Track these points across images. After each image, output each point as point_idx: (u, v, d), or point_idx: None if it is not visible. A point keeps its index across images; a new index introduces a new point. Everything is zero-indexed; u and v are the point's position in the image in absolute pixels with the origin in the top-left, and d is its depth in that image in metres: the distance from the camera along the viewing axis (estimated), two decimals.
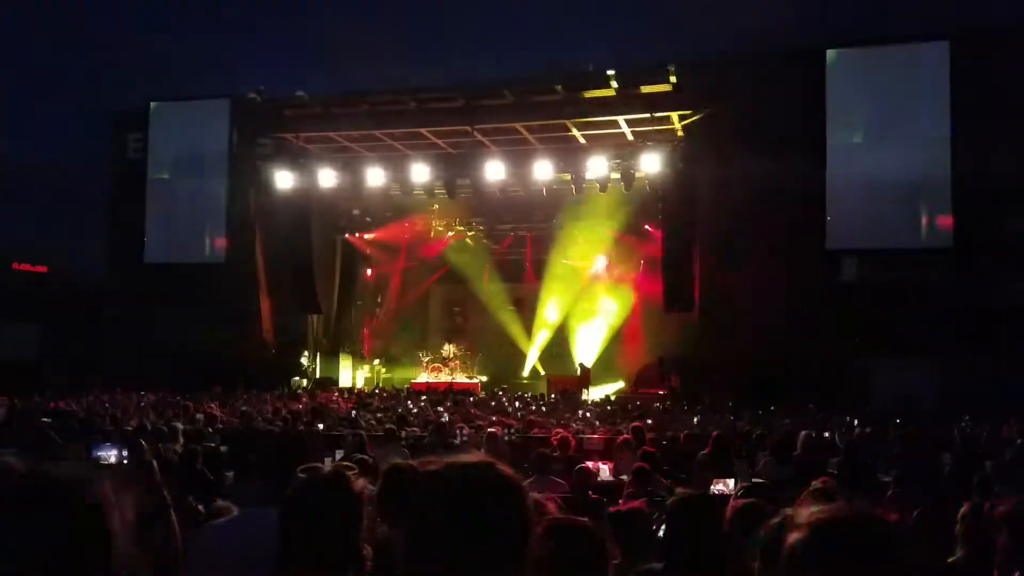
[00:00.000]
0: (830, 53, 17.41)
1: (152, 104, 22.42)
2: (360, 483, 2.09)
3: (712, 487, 5.25)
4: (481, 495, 1.41)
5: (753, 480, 7.59)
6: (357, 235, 24.39)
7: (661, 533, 3.08)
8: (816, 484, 4.96)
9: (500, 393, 19.56)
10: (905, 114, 16.81)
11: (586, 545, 2.38)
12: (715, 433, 10.00)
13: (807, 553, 1.38)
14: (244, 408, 14.27)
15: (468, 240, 25.16)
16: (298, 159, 20.55)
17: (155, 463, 2.97)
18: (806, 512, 1.48)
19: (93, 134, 23.12)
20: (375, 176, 19.65)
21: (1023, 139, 15.41)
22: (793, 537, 1.44)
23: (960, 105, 16.35)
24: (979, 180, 15.92)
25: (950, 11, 18.08)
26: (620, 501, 5.89)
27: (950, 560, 4.23)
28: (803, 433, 9.45)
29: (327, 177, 20.13)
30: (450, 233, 24.90)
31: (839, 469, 7.92)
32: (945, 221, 16.45)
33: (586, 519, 2.61)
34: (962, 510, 4.55)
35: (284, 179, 20.21)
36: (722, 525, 2.99)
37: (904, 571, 1.38)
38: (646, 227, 22.04)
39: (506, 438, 10.23)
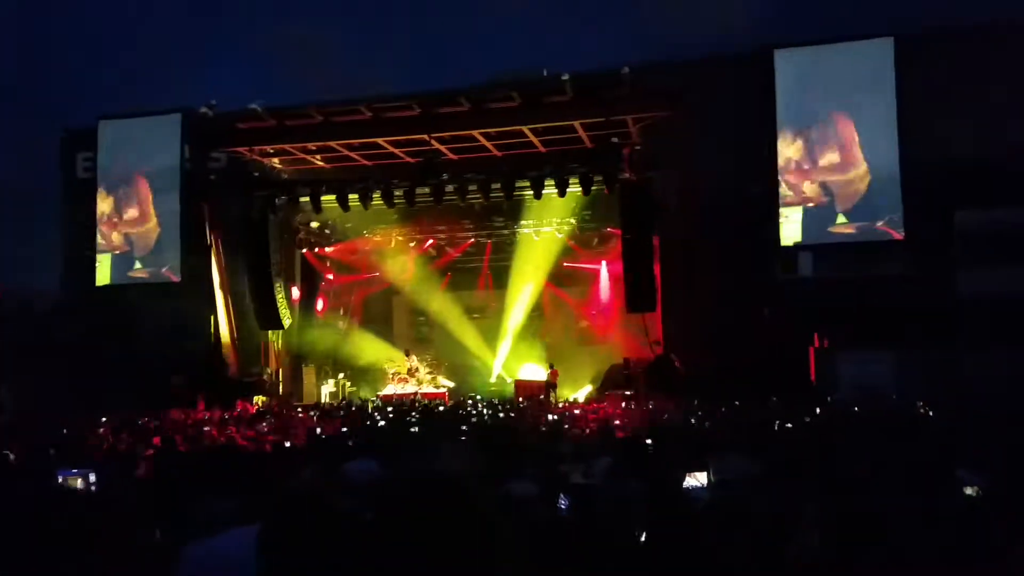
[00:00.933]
0: (777, 53, 17.71)
1: (101, 121, 21.93)
2: (337, 497, 2.08)
3: (685, 483, 5.31)
4: (438, 504, 1.40)
5: (724, 475, 7.71)
6: (316, 250, 24.21)
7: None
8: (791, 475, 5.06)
9: (468, 401, 19.53)
10: (853, 111, 17.17)
11: None
12: (682, 430, 10.13)
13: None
14: (207, 428, 14.06)
15: (430, 249, 25.10)
16: (253, 173, 20.32)
17: (123, 486, 2.91)
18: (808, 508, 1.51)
19: (42, 154, 22.59)
20: (332, 188, 19.54)
21: (969, 133, 15.86)
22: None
23: (906, 101, 16.76)
24: (927, 174, 16.34)
25: (895, 8, 18.53)
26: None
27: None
28: (775, 425, 9.64)
29: (284, 190, 19.96)
30: (412, 244, 24.84)
31: (802, 460, 8.06)
32: (896, 215, 16.83)
33: None
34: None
35: (239, 194, 19.97)
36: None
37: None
38: (607, 229, 22.24)
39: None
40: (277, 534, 2.08)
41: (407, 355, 23.69)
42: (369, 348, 25.25)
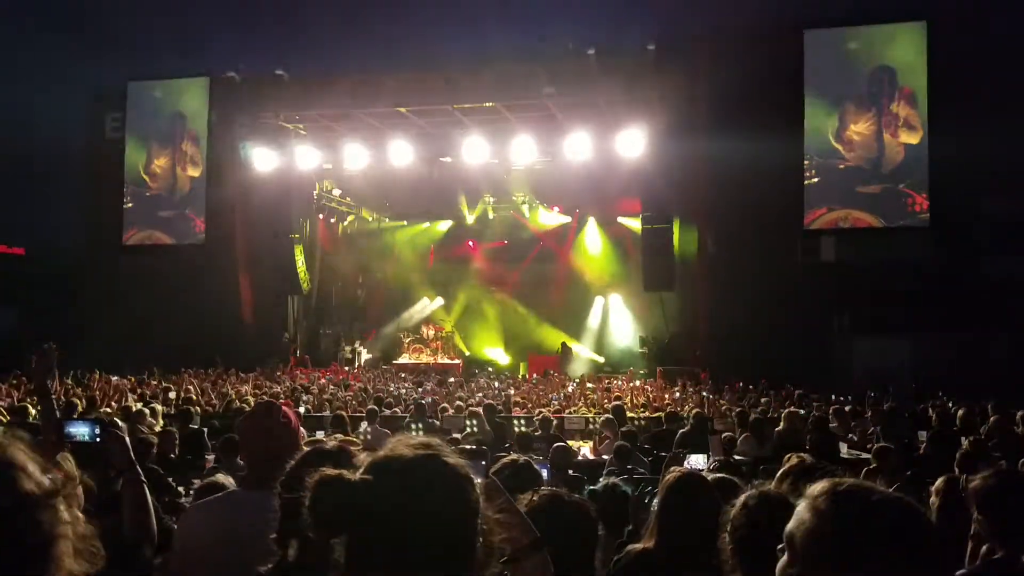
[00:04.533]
0: (808, 33, 17.44)
1: (130, 83, 22.10)
2: (362, 458, 2.08)
3: (685, 463, 5.29)
4: (423, 494, 1.37)
5: (734, 457, 7.70)
6: (335, 219, 24.30)
7: (654, 507, 3.08)
8: (794, 461, 5.03)
9: (481, 373, 19.60)
10: (882, 94, 16.92)
11: (577, 519, 2.39)
12: (695, 411, 10.11)
13: (836, 534, 1.37)
14: (224, 389, 14.25)
15: (448, 220, 25.06)
16: (277, 138, 20.38)
17: (127, 439, 2.95)
18: (818, 489, 1.46)
19: (71, 113, 22.74)
20: (355, 155, 19.56)
21: (999, 120, 15.50)
22: (808, 513, 1.42)
23: (937, 85, 16.46)
24: (956, 160, 16.03)
25: None
26: (600, 480, 5.93)
27: None
28: (788, 411, 9.56)
29: (306, 156, 20.00)
30: (426, 224, 24.97)
31: (809, 445, 8.03)
32: (922, 200, 16.62)
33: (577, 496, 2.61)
34: (936, 484, 4.62)
35: (263, 158, 20.06)
36: (718, 507, 2.98)
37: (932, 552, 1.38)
38: (627, 205, 22.06)
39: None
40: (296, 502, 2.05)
41: (424, 324, 23.79)
42: (386, 316, 25.40)
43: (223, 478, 4.02)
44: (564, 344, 22.28)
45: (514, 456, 3.18)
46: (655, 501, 3.04)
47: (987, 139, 14.93)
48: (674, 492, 2.99)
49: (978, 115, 15.42)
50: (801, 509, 1.45)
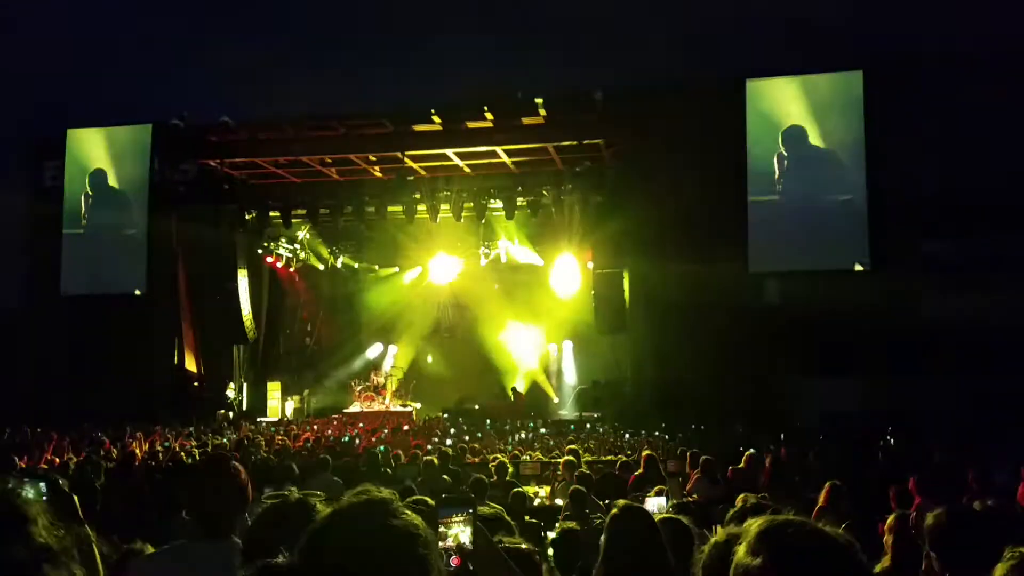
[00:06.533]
0: (749, 83, 17.98)
1: (69, 131, 21.64)
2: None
3: (646, 505, 5.29)
4: (375, 547, 1.35)
5: (685, 499, 7.72)
6: (282, 265, 24.02)
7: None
8: (750, 500, 5.07)
9: (435, 420, 19.40)
10: (822, 140, 17.49)
11: (525, 569, 2.38)
12: (646, 454, 10.15)
13: (766, 564, 1.38)
14: (167, 443, 13.82)
15: (395, 266, 24.96)
16: (222, 185, 20.15)
17: (75, 498, 2.85)
18: (755, 526, 1.49)
19: (7, 161, 22.22)
20: (303, 200, 19.44)
21: (935, 163, 16.16)
22: (743, 551, 1.44)
23: (874, 131, 17.09)
24: (894, 203, 16.61)
25: (864, 42, 18.85)
26: (556, 525, 5.90)
27: (877, 568, 4.38)
28: (748, 452, 9.69)
29: (253, 204, 19.80)
30: (376, 267, 24.77)
31: (767, 486, 8.11)
32: (862, 243, 17.10)
33: (523, 544, 2.61)
34: (888, 522, 4.71)
35: (208, 206, 19.79)
36: (660, 538, 3.03)
37: None
38: (577, 251, 22.28)
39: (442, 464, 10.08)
40: (266, 543, 2.03)
41: (374, 372, 23.50)
42: (335, 365, 25.03)
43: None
44: (514, 389, 22.23)
45: (492, 505, 3.16)
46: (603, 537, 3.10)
47: (924, 181, 15.52)
48: (617, 522, 3.06)
49: (915, 158, 16.05)
50: (738, 547, 1.48)
